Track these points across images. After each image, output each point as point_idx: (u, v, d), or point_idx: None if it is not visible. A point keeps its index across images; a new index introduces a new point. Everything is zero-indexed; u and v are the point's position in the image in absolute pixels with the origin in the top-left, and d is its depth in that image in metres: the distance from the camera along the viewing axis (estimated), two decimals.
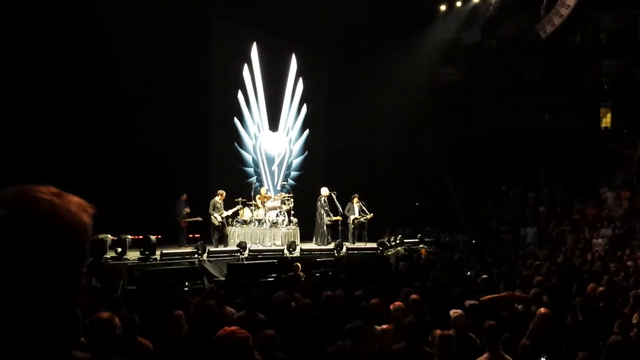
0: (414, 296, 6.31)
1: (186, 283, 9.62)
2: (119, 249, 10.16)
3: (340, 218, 14.83)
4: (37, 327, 0.96)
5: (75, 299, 1.02)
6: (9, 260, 0.93)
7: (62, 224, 0.98)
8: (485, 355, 4.60)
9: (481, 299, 7.02)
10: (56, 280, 0.97)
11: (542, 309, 5.84)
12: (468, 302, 6.43)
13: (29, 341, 0.95)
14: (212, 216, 13.21)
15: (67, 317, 1.02)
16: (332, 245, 13.68)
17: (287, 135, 19.00)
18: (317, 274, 10.30)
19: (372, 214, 14.86)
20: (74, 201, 1.03)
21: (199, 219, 13.31)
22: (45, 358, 0.97)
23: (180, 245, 12.64)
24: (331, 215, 14.72)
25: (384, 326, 5.11)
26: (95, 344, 3.37)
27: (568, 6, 16.52)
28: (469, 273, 10.76)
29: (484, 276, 8.88)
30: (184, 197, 13.25)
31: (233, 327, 3.02)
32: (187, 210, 13.12)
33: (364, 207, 14.92)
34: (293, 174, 18.94)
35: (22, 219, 0.95)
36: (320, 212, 14.72)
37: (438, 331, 4.82)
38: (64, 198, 1.01)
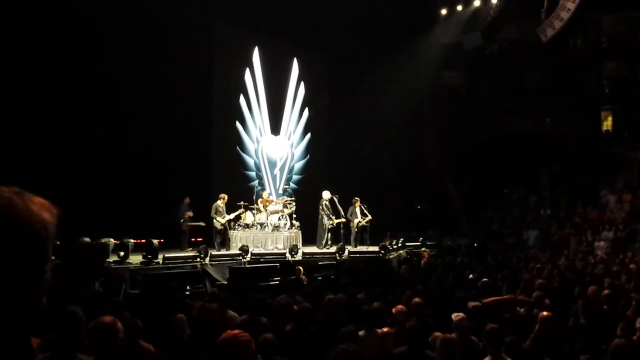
0: (416, 299, 6.31)
1: (187, 287, 9.64)
2: (122, 253, 10.19)
3: (344, 220, 14.82)
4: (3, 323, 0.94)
5: (38, 299, 0.99)
6: None
7: (20, 222, 0.96)
8: (487, 359, 4.60)
9: (483, 301, 7.02)
10: (14, 280, 0.95)
11: (544, 312, 5.84)
12: (471, 304, 6.44)
13: None
14: (214, 220, 13.23)
15: (29, 318, 0.99)
16: (334, 249, 13.68)
17: (289, 139, 19.02)
18: (319, 278, 10.32)
19: (370, 217, 14.86)
20: (36, 200, 1.01)
21: (202, 224, 13.33)
22: None
23: (181, 249, 12.65)
24: (333, 218, 14.72)
25: (385, 329, 5.11)
26: (97, 348, 3.38)
27: (569, 10, 16.51)
28: (471, 276, 10.76)
29: (485, 279, 8.87)
30: (187, 200, 13.27)
31: (236, 331, 3.02)
32: (190, 214, 13.13)
33: (365, 210, 14.93)
34: (295, 177, 18.95)
35: None
36: (322, 216, 14.73)
37: (439, 334, 4.82)
38: (25, 197, 1.00)
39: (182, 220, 13.04)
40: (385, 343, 4.93)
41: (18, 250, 0.95)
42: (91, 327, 3.50)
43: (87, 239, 10.13)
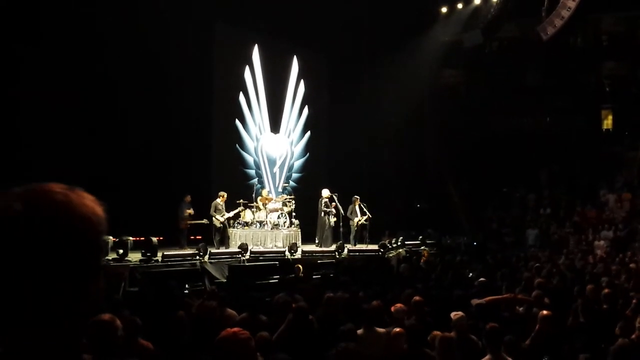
0: (416, 298, 6.30)
1: (187, 285, 9.64)
2: (121, 251, 10.17)
3: (339, 211, 14.75)
4: (57, 326, 0.94)
5: (98, 293, 1.01)
6: (26, 256, 0.91)
7: (79, 217, 0.97)
8: (486, 357, 4.60)
9: (483, 300, 7.02)
10: (76, 275, 0.96)
11: (544, 311, 5.84)
12: (475, 302, 6.42)
13: (47, 341, 0.94)
14: (213, 218, 13.22)
15: (89, 314, 1.01)
16: (333, 247, 13.67)
17: (288, 137, 19.01)
18: (318, 276, 10.31)
19: (369, 215, 14.85)
20: (87, 196, 1.02)
21: (205, 221, 13.30)
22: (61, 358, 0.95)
23: (181, 247, 12.64)
24: (331, 215, 14.71)
25: (397, 329, 5.06)
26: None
27: (569, 8, 16.50)
28: (470, 275, 10.76)
29: (482, 279, 8.87)
30: (188, 198, 13.22)
31: (236, 329, 3.02)
32: (190, 211, 13.10)
33: (364, 209, 14.92)
34: (294, 175, 18.95)
35: (38, 213, 0.94)
36: (321, 214, 14.72)
37: (437, 333, 4.81)
38: (77, 193, 1.01)
39: (180, 218, 13.01)
40: (397, 343, 4.90)
41: (78, 245, 0.96)
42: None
43: None
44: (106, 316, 3.58)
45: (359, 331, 5.30)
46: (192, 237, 13.27)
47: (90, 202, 1.01)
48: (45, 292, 0.92)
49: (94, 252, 0.99)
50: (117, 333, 3.52)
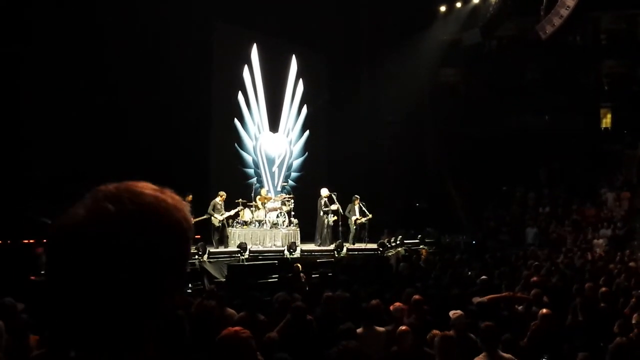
0: (416, 297, 6.30)
1: (189, 285, 9.64)
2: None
3: (338, 211, 14.74)
4: (142, 327, 0.92)
5: (175, 302, 0.99)
6: (116, 258, 0.88)
7: (169, 219, 0.94)
8: (482, 355, 4.59)
9: (483, 298, 7.02)
10: (164, 278, 0.93)
11: (544, 310, 5.84)
12: (476, 300, 6.42)
13: (131, 343, 0.91)
14: (212, 217, 13.21)
15: (169, 313, 0.98)
16: (332, 246, 13.67)
17: (287, 137, 19.00)
18: (317, 275, 10.32)
19: (370, 215, 14.85)
20: (176, 197, 0.99)
21: (206, 216, 13.25)
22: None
23: None
24: (330, 214, 14.70)
25: (402, 327, 5.05)
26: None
27: (568, 7, 16.50)
28: (469, 274, 10.76)
29: (483, 277, 8.88)
30: (189, 197, 13.16)
31: (237, 328, 3.02)
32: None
33: (364, 208, 14.92)
34: (293, 175, 18.94)
35: (129, 214, 0.91)
36: (320, 213, 14.72)
37: (437, 332, 4.81)
38: (166, 193, 0.98)
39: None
40: (403, 341, 4.89)
41: (168, 248, 0.93)
42: None
43: None
44: None
45: (359, 330, 5.30)
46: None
47: (179, 203, 0.98)
48: (131, 296, 0.90)
49: (181, 255, 0.96)
50: None
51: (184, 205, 0.99)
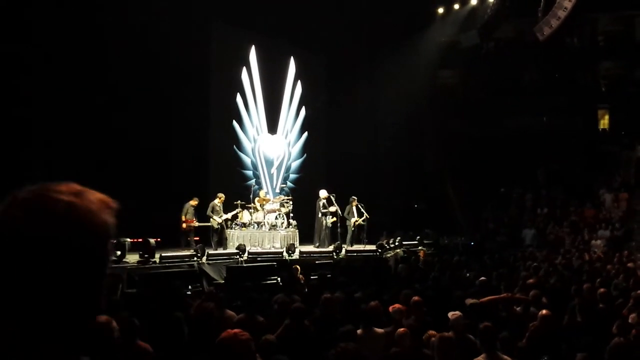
0: (415, 298, 6.31)
1: (189, 287, 9.64)
2: (118, 252, 10.16)
3: (337, 212, 14.75)
4: (55, 336, 0.92)
5: (100, 301, 0.98)
6: (24, 266, 0.88)
7: (82, 226, 0.93)
8: (481, 357, 4.61)
9: (481, 300, 7.04)
10: (77, 285, 0.92)
11: (542, 311, 5.86)
12: (469, 301, 6.44)
13: (45, 352, 0.91)
14: (211, 219, 13.21)
15: (90, 324, 0.97)
16: (331, 248, 13.67)
17: (285, 138, 19.01)
18: (315, 277, 10.32)
19: (367, 216, 14.86)
20: (95, 199, 0.98)
21: (208, 224, 13.28)
22: None
23: (185, 247, 12.60)
24: (329, 216, 14.71)
25: (401, 330, 5.06)
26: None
27: (565, 8, 16.53)
28: (468, 275, 10.77)
29: (482, 278, 8.89)
30: (195, 202, 13.13)
31: (236, 330, 3.03)
32: (194, 223, 13.04)
33: (362, 209, 14.93)
34: (292, 176, 18.95)
35: (37, 222, 0.90)
36: (319, 215, 14.72)
37: (433, 333, 4.82)
38: (85, 197, 0.96)
39: (183, 221, 12.95)
40: (401, 343, 4.90)
41: (82, 256, 0.93)
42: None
43: None
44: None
45: (358, 331, 5.30)
46: (188, 239, 13.22)
47: (97, 207, 0.97)
48: (45, 302, 0.90)
49: (97, 262, 0.96)
50: (113, 335, 3.51)
51: (104, 206, 0.98)
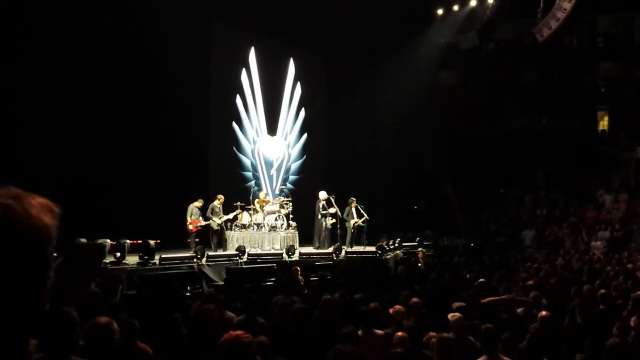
0: (414, 299, 6.30)
1: (188, 287, 9.63)
2: (118, 254, 10.16)
3: (337, 214, 14.73)
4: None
5: (40, 306, 0.96)
6: None
7: (20, 231, 0.92)
8: (482, 358, 4.60)
9: (481, 301, 7.04)
10: (17, 289, 0.92)
11: (543, 312, 5.85)
12: (455, 305, 6.41)
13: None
14: (210, 220, 13.20)
15: (31, 324, 0.96)
16: (330, 249, 13.67)
17: (285, 140, 19.01)
18: (315, 278, 10.31)
19: (366, 217, 14.86)
20: (35, 203, 0.96)
21: (208, 222, 13.26)
22: None
23: (191, 249, 12.57)
24: (329, 217, 14.70)
25: (399, 334, 5.05)
26: (93, 349, 3.36)
27: (565, 9, 16.54)
28: (468, 276, 10.77)
29: (481, 280, 8.89)
30: (200, 204, 13.09)
31: (238, 332, 3.02)
32: (201, 223, 13.02)
33: (361, 210, 14.93)
34: (291, 178, 18.94)
35: None
36: (319, 216, 14.72)
37: (433, 334, 4.82)
38: (24, 200, 0.95)
39: (189, 223, 12.92)
40: (400, 347, 4.89)
41: (19, 259, 0.91)
42: (87, 328, 3.48)
43: (83, 240, 10.10)
44: (103, 319, 3.57)
45: (358, 333, 5.29)
46: (188, 240, 13.21)
47: (37, 211, 0.95)
48: None
49: (37, 265, 0.94)
50: (114, 336, 3.50)
51: (44, 210, 0.97)
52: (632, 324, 5.67)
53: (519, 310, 7.03)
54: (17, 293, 0.92)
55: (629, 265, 12.27)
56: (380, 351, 5.13)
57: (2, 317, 0.91)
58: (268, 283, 10.51)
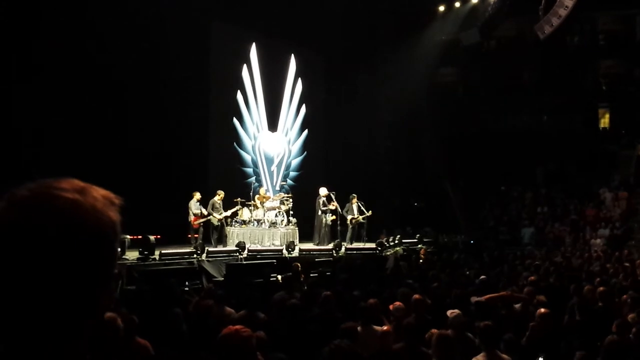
0: (416, 296, 6.31)
1: (186, 283, 9.64)
2: (118, 249, 10.15)
3: (337, 210, 14.73)
4: (62, 336, 0.88)
5: (108, 301, 0.94)
6: (26, 269, 0.85)
7: (87, 225, 0.89)
8: (481, 355, 4.61)
9: (481, 298, 7.04)
10: (83, 286, 0.89)
11: (542, 309, 5.85)
12: (474, 299, 6.44)
13: (53, 352, 0.88)
14: (211, 216, 13.21)
15: (97, 321, 0.94)
16: (331, 246, 13.68)
17: (286, 136, 19.01)
18: (315, 274, 10.33)
19: (368, 213, 14.86)
20: (100, 196, 0.93)
21: (209, 218, 13.27)
22: None
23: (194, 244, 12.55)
24: (329, 214, 14.71)
25: (385, 327, 5.10)
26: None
27: (566, 7, 16.52)
28: (467, 273, 10.79)
29: (482, 277, 8.91)
30: (198, 196, 13.06)
31: (238, 327, 3.03)
32: (202, 211, 13.00)
33: (362, 207, 14.93)
34: (292, 174, 18.94)
35: (39, 222, 0.85)
36: (319, 212, 14.72)
37: (435, 331, 4.82)
38: (89, 194, 0.92)
39: (192, 219, 12.92)
40: (386, 341, 4.92)
41: (87, 256, 0.88)
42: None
43: None
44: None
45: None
46: (189, 235, 13.22)
47: (102, 205, 0.92)
48: (50, 304, 0.86)
49: (104, 261, 0.92)
50: (118, 332, 3.50)
51: (108, 203, 0.94)
52: (630, 322, 5.67)
53: (517, 305, 7.04)
54: (84, 290, 0.89)
55: (626, 264, 12.25)
56: (378, 348, 5.14)
57: (68, 316, 0.88)
58: (271, 279, 10.53)
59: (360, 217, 14.87)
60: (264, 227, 14.03)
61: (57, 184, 0.91)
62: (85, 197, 0.91)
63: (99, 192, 0.94)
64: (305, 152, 19.41)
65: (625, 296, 7.14)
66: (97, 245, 0.90)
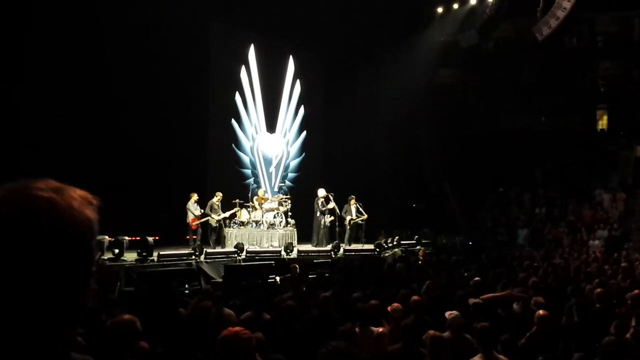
0: (415, 297, 6.32)
1: (186, 285, 9.64)
2: (116, 250, 10.15)
3: (335, 211, 14.74)
4: (40, 335, 0.89)
5: (84, 301, 0.94)
6: (3, 267, 0.86)
7: (64, 224, 0.90)
8: (478, 356, 4.61)
9: (480, 298, 7.04)
10: (62, 284, 0.90)
11: (540, 311, 5.86)
12: (472, 301, 6.44)
13: (32, 349, 0.89)
14: (209, 217, 13.20)
15: (76, 320, 0.95)
16: (329, 247, 13.68)
17: (284, 137, 19.01)
18: (314, 275, 10.32)
19: (365, 215, 14.87)
20: (76, 196, 0.95)
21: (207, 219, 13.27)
22: None
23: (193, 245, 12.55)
24: (327, 215, 14.72)
25: (380, 329, 5.11)
26: (116, 347, 3.36)
27: (565, 8, 16.56)
28: (466, 274, 10.78)
29: (477, 278, 8.91)
30: (195, 197, 13.07)
31: (237, 328, 3.03)
32: (200, 211, 13.00)
33: (360, 209, 14.93)
34: (290, 175, 18.95)
35: (17, 222, 0.87)
36: (317, 214, 14.72)
37: (432, 332, 4.83)
38: (65, 193, 0.93)
39: (192, 220, 12.91)
40: (381, 343, 4.93)
41: (64, 254, 0.89)
42: (111, 325, 3.48)
43: None
44: (127, 317, 3.56)
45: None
46: (187, 237, 13.21)
47: (79, 204, 0.94)
48: (28, 302, 0.87)
49: (81, 260, 0.93)
50: (138, 334, 3.48)
51: (85, 202, 0.95)
52: (629, 323, 5.67)
53: (515, 305, 7.05)
54: (61, 289, 0.90)
55: (623, 264, 12.26)
56: (375, 349, 5.14)
57: (46, 314, 0.89)
58: (269, 280, 10.53)
59: (359, 219, 14.87)
60: (262, 228, 14.03)
61: (33, 184, 0.92)
62: (62, 196, 0.92)
63: (76, 192, 0.96)
64: (304, 153, 19.41)
65: (628, 300, 7.12)
66: (74, 243, 0.91)
